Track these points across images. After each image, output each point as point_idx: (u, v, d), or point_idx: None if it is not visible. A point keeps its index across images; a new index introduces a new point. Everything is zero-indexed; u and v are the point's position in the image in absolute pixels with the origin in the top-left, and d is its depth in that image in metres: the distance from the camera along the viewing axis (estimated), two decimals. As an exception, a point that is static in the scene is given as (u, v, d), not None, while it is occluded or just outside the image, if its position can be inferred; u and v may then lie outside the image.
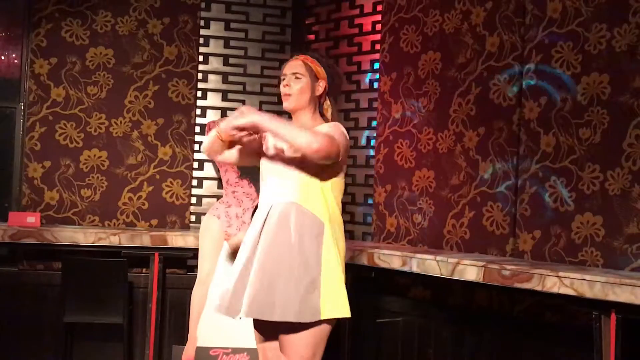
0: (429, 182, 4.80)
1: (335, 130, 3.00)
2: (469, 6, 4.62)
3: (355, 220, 5.45)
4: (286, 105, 3.11)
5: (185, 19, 5.74)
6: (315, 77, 3.11)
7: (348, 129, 5.35)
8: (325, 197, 3.03)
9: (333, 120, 3.16)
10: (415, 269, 4.19)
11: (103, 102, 5.62)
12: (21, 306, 5.25)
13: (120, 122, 5.64)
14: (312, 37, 5.83)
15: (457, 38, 4.68)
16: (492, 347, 4.39)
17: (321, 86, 3.13)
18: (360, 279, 4.69)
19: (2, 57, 5.80)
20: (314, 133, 2.91)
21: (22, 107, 5.50)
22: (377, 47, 5.28)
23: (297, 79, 3.09)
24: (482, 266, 3.85)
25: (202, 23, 5.78)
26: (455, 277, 3.98)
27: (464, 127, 4.61)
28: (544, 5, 4.20)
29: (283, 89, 3.11)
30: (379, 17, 5.28)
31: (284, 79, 3.13)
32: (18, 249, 5.24)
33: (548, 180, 4.13)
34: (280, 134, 2.91)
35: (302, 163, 2.99)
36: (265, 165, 3.16)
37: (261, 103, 5.87)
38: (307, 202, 3.00)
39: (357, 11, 5.50)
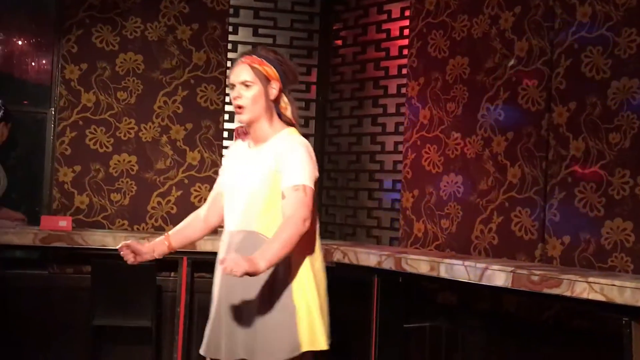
0: (457, 187, 4.78)
1: (304, 161, 2.74)
2: (498, 11, 4.60)
3: (382, 225, 5.43)
4: (240, 118, 2.81)
5: (214, 25, 5.77)
6: (266, 80, 2.81)
7: (375, 134, 5.45)
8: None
9: (294, 118, 2.90)
10: (443, 274, 4.16)
11: (132, 108, 5.66)
12: (51, 309, 5.28)
13: (150, 127, 5.68)
14: (339, 42, 5.84)
15: (486, 43, 4.66)
16: (520, 353, 4.35)
17: (275, 88, 2.83)
18: (388, 284, 4.67)
19: (33, 63, 5.87)
20: (293, 218, 2.62)
21: (53, 112, 5.57)
22: (405, 52, 5.27)
23: (247, 87, 2.79)
24: (511, 271, 3.81)
25: (230, 29, 5.81)
26: (484, 283, 3.95)
27: (492, 132, 4.58)
28: (574, 10, 4.17)
29: (234, 101, 2.81)
30: (406, 22, 5.27)
31: (232, 89, 2.83)
32: (49, 253, 5.28)
33: (577, 186, 4.09)
34: (280, 257, 2.59)
35: (264, 186, 2.77)
36: (226, 188, 2.93)
37: (289, 108, 5.88)
38: (269, 230, 2.71)
39: (384, 16, 5.50)
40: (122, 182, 5.63)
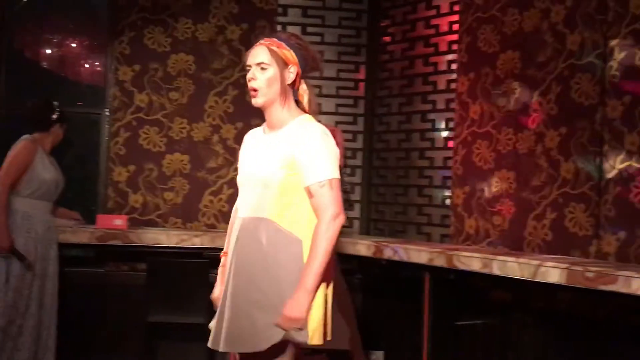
0: (509, 183, 4.73)
1: (325, 152, 2.66)
2: (549, 4, 4.53)
3: (433, 222, 5.40)
4: (255, 101, 2.73)
5: (263, 25, 5.80)
6: (284, 64, 2.71)
7: (424, 131, 5.42)
8: (306, 208, 2.69)
9: (311, 107, 2.82)
10: (496, 271, 4.13)
11: (184, 107, 5.73)
12: (107, 306, 5.38)
13: (201, 126, 5.74)
14: (388, 39, 5.81)
15: (537, 36, 4.59)
16: (575, 351, 4.29)
17: (292, 72, 2.73)
18: (439, 282, 4.64)
19: (87, 65, 5.98)
20: (327, 215, 2.60)
21: (107, 113, 5.67)
22: (454, 47, 5.23)
23: (262, 70, 2.69)
24: (565, 268, 3.76)
25: (279, 28, 5.83)
26: (537, 280, 3.91)
27: (544, 126, 4.52)
28: (627, 2, 4.08)
29: (249, 83, 2.71)
30: (456, 17, 5.23)
31: (248, 71, 2.73)
32: (104, 251, 5.37)
33: (633, 180, 4.01)
34: (320, 273, 2.60)
35: (279, 172, 2.68)
36: (242, 173, 2.84)
37: (337, 106, 5.88)
38: (282, 217, 2.67)
39: (433, 12, 5.46)
40: (175, 180, 5.71)
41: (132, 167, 5.64)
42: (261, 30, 5.78)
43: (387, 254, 4.84)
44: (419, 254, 4.61)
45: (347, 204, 5.81)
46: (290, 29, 5.84)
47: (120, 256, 5.46)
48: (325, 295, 2.73)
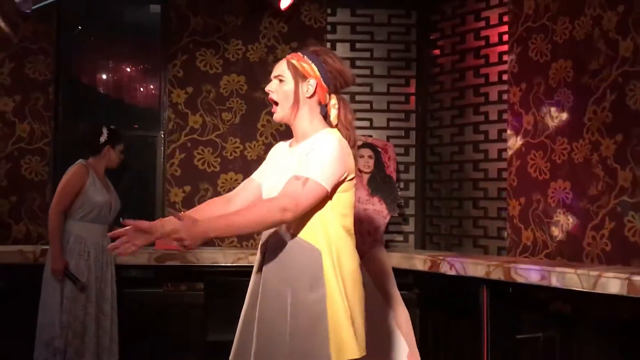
0: (565, 193, 4.67)
1: (325, 159, 2.54)
2: (600, 11, 4.48)
3: (489, 234, 5.36)
4: (275, 116, 2.70)
5: (312, 43, 5.84)
6: (302, 77, 2.65)
7: (477, 142, 5.39)
8: (323, 218, 2.59)
9: (339, 121, 2.70)
10: (554, 283, 4.09)
11: (237, 127, 5.80)
12: (167, 326, 5.46)
13: (254, 145, 5.80)
14: (437, 52, 5.81)
15: (589, 44, 4.55)
16: (639, 362, 4.21)
17: (312, 85, 2.64)
18: (497, 295, 4.61)
19: (142, 89, 6.11)
20: (271, 202, 2.48)
21: (162, 135, 5.77)
22: (505, 58, 5.21)
23: (281, 82, 2.67)
24: (626, 278, 3.71)
25: (328, 45, 5.88)
26: (597, 291, 3.85)
27: (600, 135, 4.46)
28: (681, 5, 4.02)
29: (269, 95, 2.70)
30: (505, 28, 5.21)
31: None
32: (163, 271, 5.44)
33: (694, 187, 3.93)
34: (233, 230, 2.48)
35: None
36: (264, 188, 2.76)
37: (388, 120, 5.89)
38: (307, 232, 2.58)
39: (482, 23, 5.44)
40: (230, 200, 5.77)
41: (187, 188, 5.73)
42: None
43: (444, 268, 4.82)
44: (475, 267, 4.59)
45: (402, 218, 5.80)
46: (339, 46, 5.89)
47: (179, 276, 5.53)
48: (336, 310, 2.59)
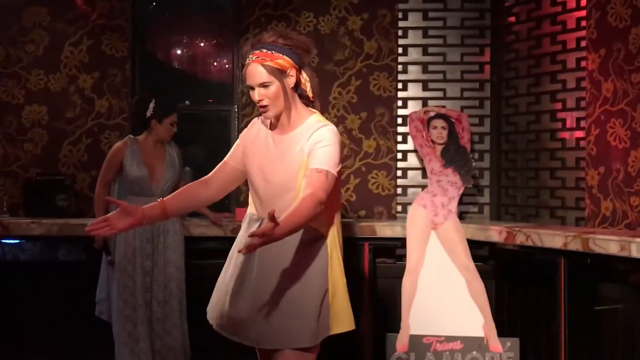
0: (646, 162, 4.57)
1: (326, 149, 2.72)
2: (684, -28, 4.34)
3: (567, 205, 5.29)
4: (267, 115, 2.80)
5: (384, 13, 5.85)
6: (283, 73, 2.76)
7: (554, 111, 5.31)
8: (327, 208, 2.76)
9: (314, 94, 2.90)
10: (635, 254, 4.03)
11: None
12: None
13: (326, 117, 5.79)
14: (512, 19, 5.72)
15: (672, 7, 4.42)
16: None
17: (292, 75, 2.78)
18: (575, 266, 4.57)
19: (215, 63, 6.20)
20: (312, 198, 2.58)
21: (236, 110, 5.87)
22: (583, 23, 5.09)
23: (266, 88, 2.74)
24: None
25: (400, 15, 5.87)
26: (680, 262, 3.78)
27: (683, 101, 4.34)
28: None
29: (257, 103, 2.78)
30: (583, -7, 5.09)
31: (251, 90, 2.79)
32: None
33: None
34: (295, 231, 2.58)
35: (297, 177, 2.76)
36: (254, 176, 2.88)
37: (462, 90, 5.86)
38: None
39: (559, -12, 5.33)
40: (303, 172, 5.83)
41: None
42: (382, 18, 5.83)
43: (520, 239, 4.80)
44: (553, 238, 4.55)
45: (477, 189, 5.78)
46: (411, 15, 5.85)
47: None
48: (336, 287, 2.83)
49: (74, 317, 5.45)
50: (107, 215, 2.71)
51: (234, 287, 2.85)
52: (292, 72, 2.77)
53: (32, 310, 5.56)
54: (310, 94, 2.88)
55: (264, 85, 2.74)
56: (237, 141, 2.96)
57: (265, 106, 2.75)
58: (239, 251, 2.46)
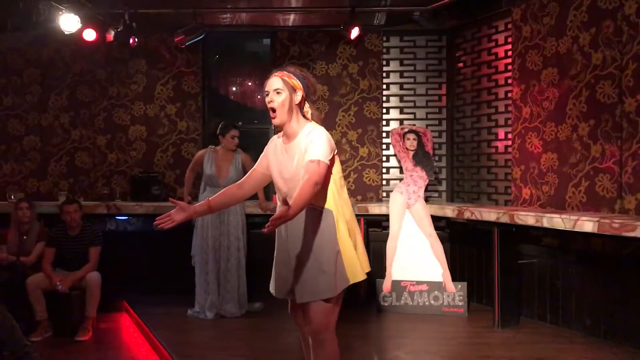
0: (553, 161, 4.58)
1: (321, 143, 2.49)
2: (578, 31, 4.35)
3: (499, 191, 5.27)
4: (274, 121, 2.59)
5: (373, 61, 5.85)
6: (293, 89, 2.57)
7: (490, 127, 5.33)
8: (323, 188, 2.55)
9: (314, 119, 2.64)
10: (545, 224, 4.05)
11: (323, 122, 5.79)
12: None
13: (333, 134, 5.82)
14: (461, 64, 5.71)
15: (569, 56, 4.41)
16: (605, 280, 4.15)
17: (299, 95, 2.58)
18: (504, 233, 4.52)
19: (258, 96, 6.21)
20: (308, 181, 2.38)
21: (272, 128, 5.86)
22: (509, 67, 5.08)
23: (278, 94, 2.55)
24: (597, 221, 3.65)
25: (384, 63, 5.86)
26: (577, 230, 3.81)
27: (577, 120, 4.35)
28: None
29: (268, 105, 2.58)
30: (509, 46, 5.07)
31: (267, 95, 2.59)
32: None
33: (647, 156, 3.79)
34: (302, 207, 2.36)
35: (300, 172, 2.52)
36: (273, 175, 2.69)
37: (427, 113, 5.84)
38: (313, 199, 2.47)
39: (493, 43, 5.31)
40: (318, 170, 5.84)
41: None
42: (372, 65, 5.84)
43: (467, 215, 4.81)
44: (489, 214, 4.56)
45: (437, 181, 5.80)
46: (392, 62, 5.86)
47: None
48: (345, 246, 2.60)
49: (165, 269, 5.51)
50: (169, 212, 2.60)
51: (277, 258, 2.71)
52: (300, 93, 2.59)
53: (136, 265, 5.57)
54: (310, 118, 2.66)
55: (277, 91, 2.56)
56: (262, 154, 2.76)
57: (274, 110, 2.56)
58: (262, 230, 2.29)
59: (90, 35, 5.33)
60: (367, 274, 2.65)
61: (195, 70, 5.90)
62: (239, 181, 2.77)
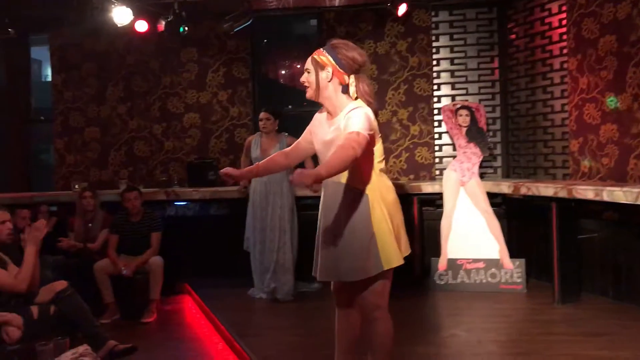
0: (613, 132, 4.46)
1: (356, 119, 2.43)
2: (638, -4, 4.19)
3: (556, 165, 5.19)
4: (307, 94, 2.60)
5: (422, 37, 5.82)
6: (321, 67, 2.54)
7: (545, 100, 5.25)
8: (362, 170, 2.52)
9: (360, 94, 2.56)
10: (605, 198, 3.96)
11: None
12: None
13: (384, 113, 5.86)
14: (513, 36, 5.61)
15: (628, 22, 4.27)
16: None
17: (329, 72, 2.53)
18: (563, 208, 4.46)
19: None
20: (345, 144, 2.34)
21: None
22: (564, 37, 4.97)
23: (308, 73, 2.59)
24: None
25: (433, 38, 5.81)
26: (639, 203, 3.73)
27: (639, 89, 4.22)
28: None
29: (301, 81, 2.64)
30: (564, 15, 4.96)
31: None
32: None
33: None
34: (336, 169, 2.32)
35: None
36: (318, 151, 2.69)
37: (479, 88, 5.78)
38: (351, 180, 2.52)
39: (546, 13, 5.21)
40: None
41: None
42: (421, 41, 5.81)
43: (523, 190, 4.76)
44: (546, 189, 4.50)
45: (492, 157, 5.75)
46: (442, 37, 5.81)
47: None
48: (382, 230, 2.54)
49: (224, 251, 5.64)
50: (227, 171, 2.68)
51: (317, 239, 2.69)
52: (330, 69, 2.53)
53: (196, 249, 5.75)
54: (353, 95, 2.57)
55: (307, 70, 2.60)
56: (307, 128, 2.76)
57: (306, 86, 2.60)
58: (289, 180, 2.32)
59: (142, 26, 5.51)
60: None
61: (244, 56, 5.97)
62: (284, 150, 2.84)
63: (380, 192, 2.55)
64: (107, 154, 6.16)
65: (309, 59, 2.60)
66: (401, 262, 2.56)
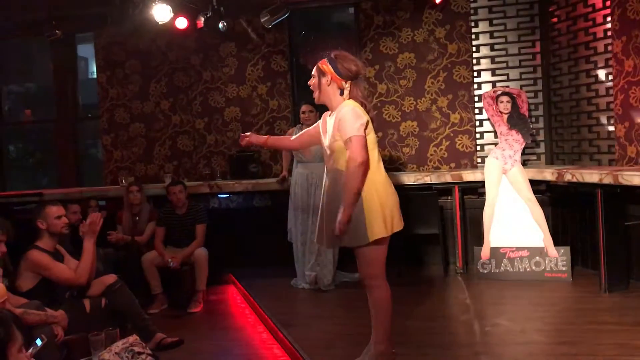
0: (661, 117, 4.35)
1: (348, 120, 2.88)
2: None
3: (601, 151, 5.11)
4: (314, 96, 3.07)
5: (461, 24, 5.79)
6: (323, 74, 3.01)
7: (589, 84, 5.20)
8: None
9: (352, 96, 2.99)
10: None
11: (411, 90, 5.89)
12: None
13: (423, 101, 5.88)
14: (555, 19, 5.52)
15: None
16: None
17: (328, 78, 3.00)
18: (608, 195, 4.41)
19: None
20: (350, 167, 2.84)
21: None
22: (608, 19, 4.86)
23: (313, 78, 3.07)
24: None
25: (472, 24, 5.77)
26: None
27: (688, 71, 4.10)
28: None
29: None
30: (608, 2, 4.86)
31: None
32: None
33: None
34: (355, 196, 2.84)
35: (335, 141, 2.96)
36: (322, 139, 3.14)
37: (520, 73, 5.71)
38: (344, 166, 2.94)
39: (590, -6, 5.10)
40: (409, 140, 5.92)
41: (379, 134, 5.88)
42: (460, 27, 5.77)
43: (567, 177, 4.72)
44: (591, 175, 4.45)
45: (535, 144, 5.68)
46: (481, 23, 5.75)
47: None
48: (369, 205, 2.90)
49: (267, 242, 5.76)
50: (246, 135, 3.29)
51: (319, 213, 3.12)
52: (328, 76, 3.00)
53: (240, 240, 5.90)
54: (346, 97, 3.00)
55: (313, 76, 3.07)
56: (317, 123, 3.23)
57: (313, 90, 3.07)
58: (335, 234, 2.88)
59: (182, 23, 5.66)
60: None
61: (282, 49, 6.05)
62: (299, 135, 3.33)
63: (371, 175, 2.93)
64: (152, 149, 6.36)
65: (315, 67, 3.06)
66: (384, 234, 2.90)
